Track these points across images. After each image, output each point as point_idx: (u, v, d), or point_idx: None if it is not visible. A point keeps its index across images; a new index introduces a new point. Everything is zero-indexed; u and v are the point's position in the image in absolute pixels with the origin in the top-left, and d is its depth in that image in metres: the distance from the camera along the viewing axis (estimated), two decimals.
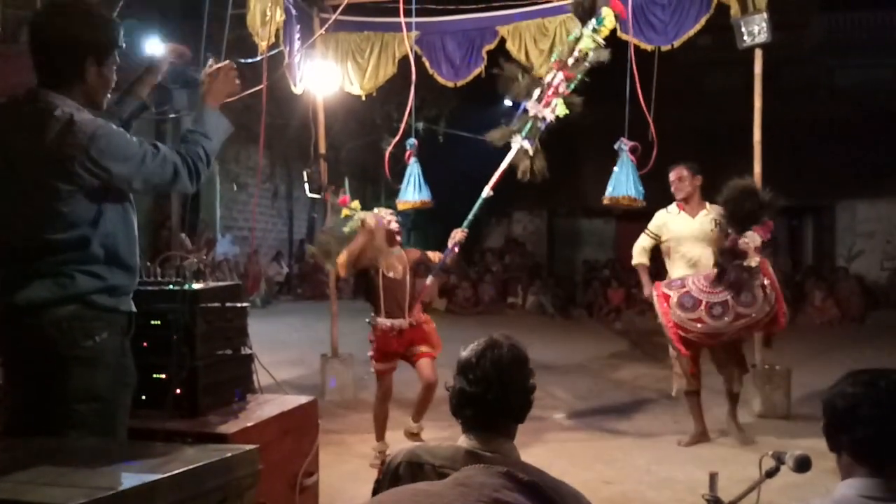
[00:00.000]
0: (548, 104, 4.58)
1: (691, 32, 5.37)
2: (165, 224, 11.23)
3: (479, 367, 1.67)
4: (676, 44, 5.41)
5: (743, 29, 5.10)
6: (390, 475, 1.69)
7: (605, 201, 4.99)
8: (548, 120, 4.61)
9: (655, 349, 8.69)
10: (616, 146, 4.95)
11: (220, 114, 2.32)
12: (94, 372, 1.98)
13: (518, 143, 4.75)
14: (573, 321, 11.75)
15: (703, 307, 4.30)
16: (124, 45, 2.13)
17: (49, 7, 2.17)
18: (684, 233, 4.72)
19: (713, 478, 2.30)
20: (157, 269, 2.67)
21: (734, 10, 5.16)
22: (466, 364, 1.70)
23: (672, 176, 4.80)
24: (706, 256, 4.62)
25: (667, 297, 4.46)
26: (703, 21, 5.33)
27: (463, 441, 1.68)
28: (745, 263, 4.26)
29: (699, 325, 4.34)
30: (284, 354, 7.66)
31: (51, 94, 2.02)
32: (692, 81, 14.48)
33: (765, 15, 5.01)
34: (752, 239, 4.25)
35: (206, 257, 12.08)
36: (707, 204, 4.75)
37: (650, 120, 5.06)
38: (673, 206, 4.84)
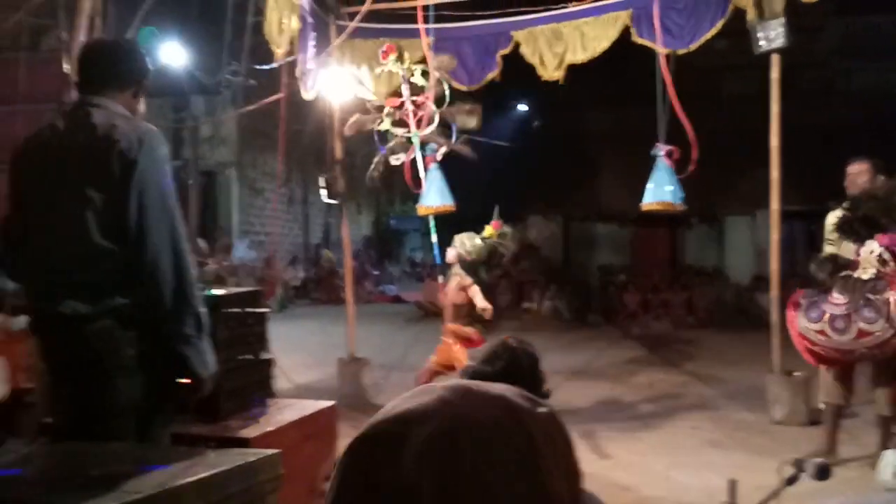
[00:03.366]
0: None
1: (708, 36, 5.37)
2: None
3: (492, 377, 1.65)
4: (693, 47, 5.41)
5: (760, 34, 5.08)
6: None
7: (644, 207, 4.97)
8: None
9: (673, 354, 8.66)
10: (652, 152, 4.93)
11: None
12: (136, 381, 2.03)
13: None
14: (590, 326, 11.70)
15: (826, 318, 3.92)
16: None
17: (116, 39, 2.51)
18: None
19: (732, 485, 2.31)
20: None
21: (750, 14, 5.15)
22: (479, 375, 1.68)
23: (853, 170, 4.34)
24: None
25: (797, 305, 4.10)
26: (719, 25, 5.32)
27: None
28: (855, 275, 3.90)
29: (822, 338, 3.95)
30: (302, 358, 7.71)
31: (97, 98, 2.12)
32: (708, 86, 14.40)
33: (782, 20, 4.99)
34: (869, 247, 3.88)
35: (223, 262, 12.19)
36: None
37: (686, 123, 5.01)
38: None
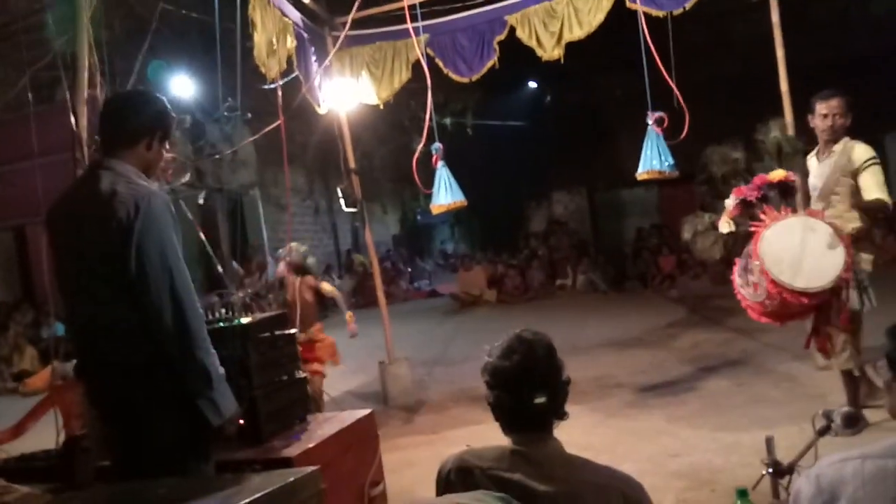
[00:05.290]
0: None
1: None
2: (216, 253, 11.57)
3: (510, 371, 1.69)
4: (688, 6, 5.32)
5: None
6: (443, 483, 1.75)
7: (638, 177, 4.97)
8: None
9: (714, 313, 8.57)
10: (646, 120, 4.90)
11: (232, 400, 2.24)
12: (176, 418, 2.13)
13: None
14: (627, 294, 11.64)
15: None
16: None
17: (127, 94, 2.75)
18: None
19: (769, 441, 2.32)
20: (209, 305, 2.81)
21: None
22: (498, 371, 1.72)
23: (822, 109, 4.07)
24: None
25: (737, 265, 4.00)
26: None
27: (508, 442, 1.74)
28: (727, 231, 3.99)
29: (746, 293, 3.89)
30: (346, 364, 7.85)
31: (107, 160, 2.24)
32: (719, 32, 14.09)
33: None
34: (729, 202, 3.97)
35: (259, 280, 12.41)
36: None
37: (673, 86, 4.97)
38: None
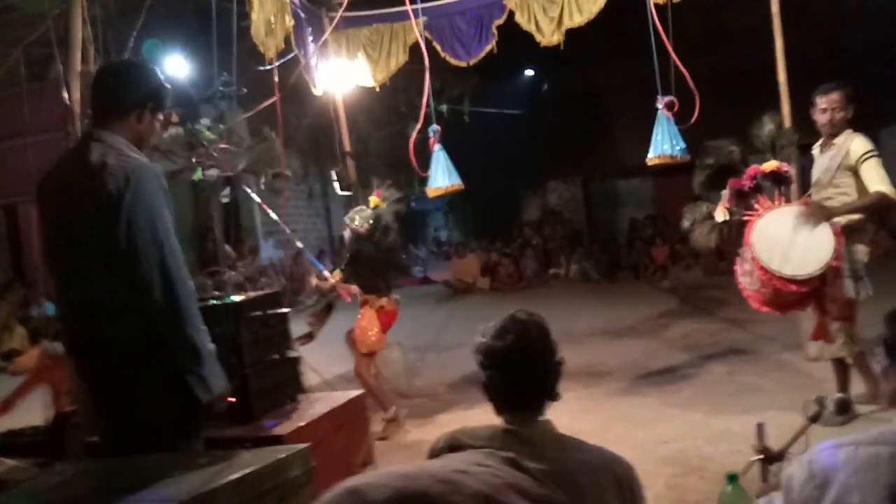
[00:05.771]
0: None
1: None
2: (209, 236, 11.52)
3: (504, 351, 1.68)
4: None
5: None
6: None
7: (648, 163, 4.95)
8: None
9: (706, 303, 8.60)
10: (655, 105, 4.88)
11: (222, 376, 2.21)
12: (165, 395, 2.11)
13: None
14: (619, 284, 11.66)
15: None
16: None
17: (119, 64, 2.60)
18: None
19: (760, 428, 2.32)
20: (202, 284, 2.79)
21: None
22: (492, 351, 1.71)
23: (821, 102, 4.04)
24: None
25: (739, 256, 4.03)
26: None
27: (500, 421, 1.73)
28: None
29: (745, 282, 3.94)
30: (337, 349, 7.82)
31: (98, 131, 2.19)
32: (718, 23, 14.04)
33: None
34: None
35: (252, 264, 12.37)
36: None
37: (684, 70, 4.92)
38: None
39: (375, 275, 4.87)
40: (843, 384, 4.01)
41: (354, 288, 4.86)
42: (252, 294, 2.66)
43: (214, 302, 2.54)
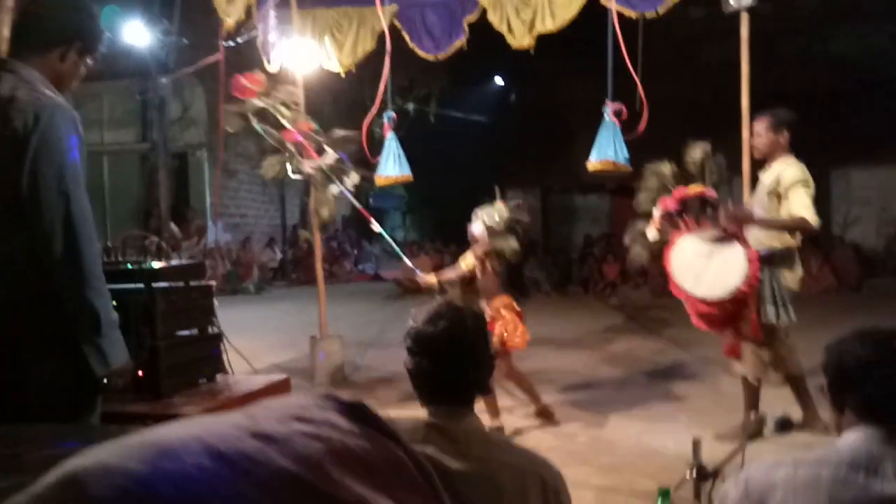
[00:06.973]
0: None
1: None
2: (154, 213, 11.12)
3: (434, 337, 1.56)
4: (661, 10, 5.26)
5: None
6: None
7: (589, 167, 4.90)
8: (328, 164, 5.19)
9: (651, 322, 8.64)
10: (603, 111, 4.84)
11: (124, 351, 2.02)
12: (61, 363, 1.91)
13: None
14: (569, 297, 11.69)
15: None
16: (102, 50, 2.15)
17: None
18: None
19: (696, 445, 2.25)
20: (121, 251, 2.58)
21: None
22: (422, 336, 1.59)
23: (754, 129, 4.28)
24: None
25: None
26: None
27: (424, 414, 1.60)
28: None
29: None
30: (277, 339, 7.61)
31: (12, 62, 1.96)
32: (686, 55, 14.29)
33: None
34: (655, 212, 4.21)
35: (197, 245, 11.99)
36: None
37: (638, 82, 4.91)
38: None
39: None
40: (749, 404, 4.00)
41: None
42: (174, 262, 2.46)
43: (128, 266, 2.34)
